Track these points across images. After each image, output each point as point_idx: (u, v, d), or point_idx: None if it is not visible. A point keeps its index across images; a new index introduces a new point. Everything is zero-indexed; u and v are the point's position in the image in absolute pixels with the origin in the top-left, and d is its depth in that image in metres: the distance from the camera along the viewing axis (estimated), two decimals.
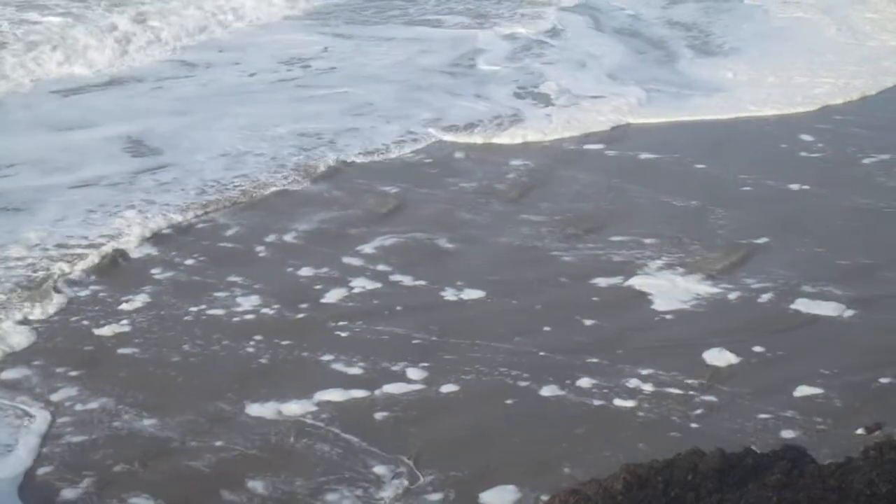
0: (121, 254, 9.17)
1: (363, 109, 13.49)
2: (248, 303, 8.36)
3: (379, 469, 6.33)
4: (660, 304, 8.30)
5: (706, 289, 8.50)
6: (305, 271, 8.94)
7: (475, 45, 17.03)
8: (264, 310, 8.26)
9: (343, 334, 7.90)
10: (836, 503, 4.99)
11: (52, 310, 8.21)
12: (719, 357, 7.49)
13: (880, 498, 4.98)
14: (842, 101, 13.95)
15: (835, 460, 5.40)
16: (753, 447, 5.62)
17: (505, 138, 12.50)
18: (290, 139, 12.22)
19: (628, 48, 17.03)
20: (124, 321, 8.07)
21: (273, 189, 10.84)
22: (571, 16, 19.17)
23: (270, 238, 9.63)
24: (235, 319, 8.13)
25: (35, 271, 8.78)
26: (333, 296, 8.49)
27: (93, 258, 9.04)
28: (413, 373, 7.36)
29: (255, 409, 6.94)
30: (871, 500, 4.98)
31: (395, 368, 7.42)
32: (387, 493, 6.12)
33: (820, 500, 5.00)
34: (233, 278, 8.76)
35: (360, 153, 11.85)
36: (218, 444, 6.58)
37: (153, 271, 8.94)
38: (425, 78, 15.02)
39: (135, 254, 9.25)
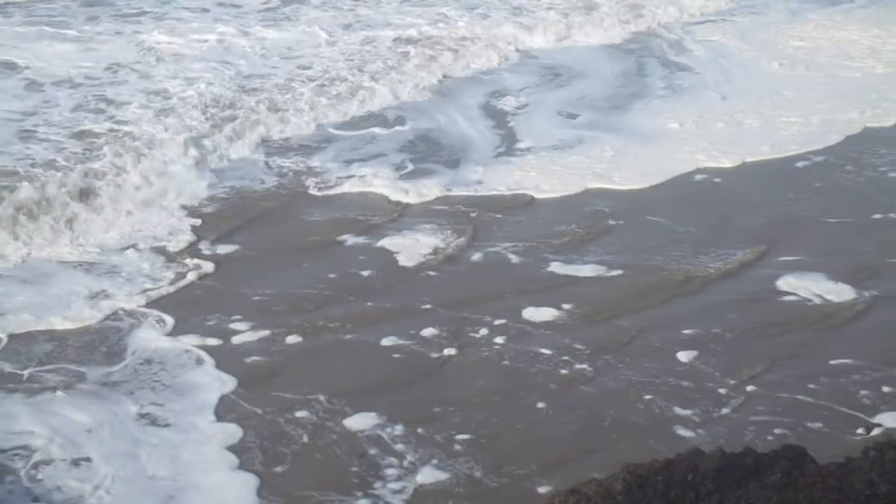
0: None
1: None
2: None
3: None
4: (404, 261, 9.30)
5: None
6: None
7: None
8: None
9: None
10: (836, 503, 4.99)
11: None
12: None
13: (880, 498, 4.97)
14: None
15: (835, 460, 5.40)
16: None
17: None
18: None
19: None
20: None
21: None
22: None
23: None
24: None
25: None
26: None
27: None
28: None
29: None
30: (871, 500, 4.98)
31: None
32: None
33: (820, 500, 4.99)
34: None
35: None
36: None
37: None
38: None
39: None
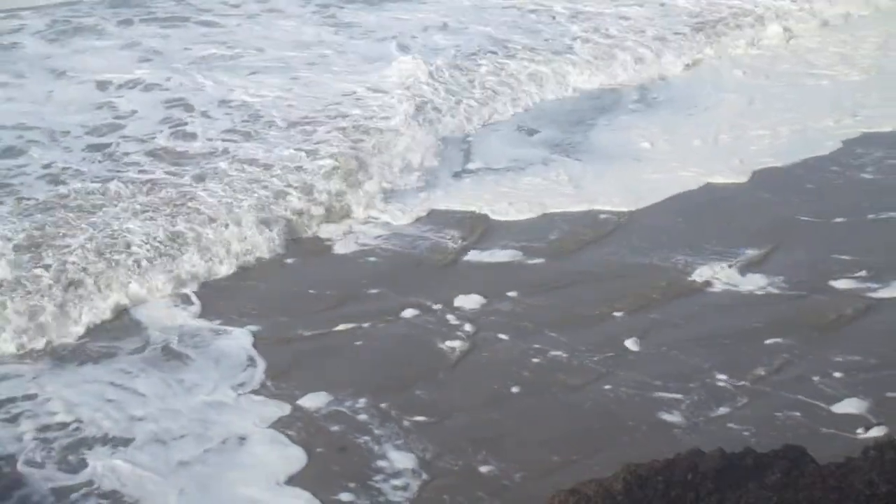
0: None
1: None
2: None
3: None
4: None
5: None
6: None
7: None
8: None
9: None
10: (836, 503, 4.99)
11: None
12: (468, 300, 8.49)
13: (880, 498, 4.97)
14: None
15: (835, 460, 5.40)
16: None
17: None
18: None
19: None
20: None
21: None
22: None
23: None
24: None
25: None
26: None
27: None
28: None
29: None
30: (871, 500, 4.98)
31: None
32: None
33: (820, 500, 4.98)
34: None
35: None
36: None
37: None
38: None
39: None
